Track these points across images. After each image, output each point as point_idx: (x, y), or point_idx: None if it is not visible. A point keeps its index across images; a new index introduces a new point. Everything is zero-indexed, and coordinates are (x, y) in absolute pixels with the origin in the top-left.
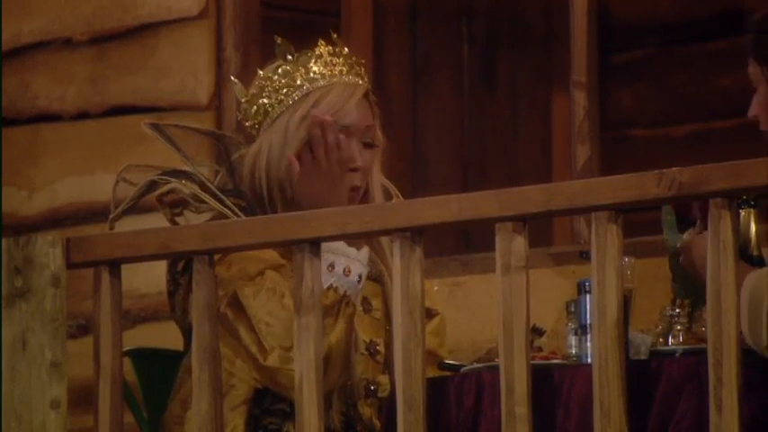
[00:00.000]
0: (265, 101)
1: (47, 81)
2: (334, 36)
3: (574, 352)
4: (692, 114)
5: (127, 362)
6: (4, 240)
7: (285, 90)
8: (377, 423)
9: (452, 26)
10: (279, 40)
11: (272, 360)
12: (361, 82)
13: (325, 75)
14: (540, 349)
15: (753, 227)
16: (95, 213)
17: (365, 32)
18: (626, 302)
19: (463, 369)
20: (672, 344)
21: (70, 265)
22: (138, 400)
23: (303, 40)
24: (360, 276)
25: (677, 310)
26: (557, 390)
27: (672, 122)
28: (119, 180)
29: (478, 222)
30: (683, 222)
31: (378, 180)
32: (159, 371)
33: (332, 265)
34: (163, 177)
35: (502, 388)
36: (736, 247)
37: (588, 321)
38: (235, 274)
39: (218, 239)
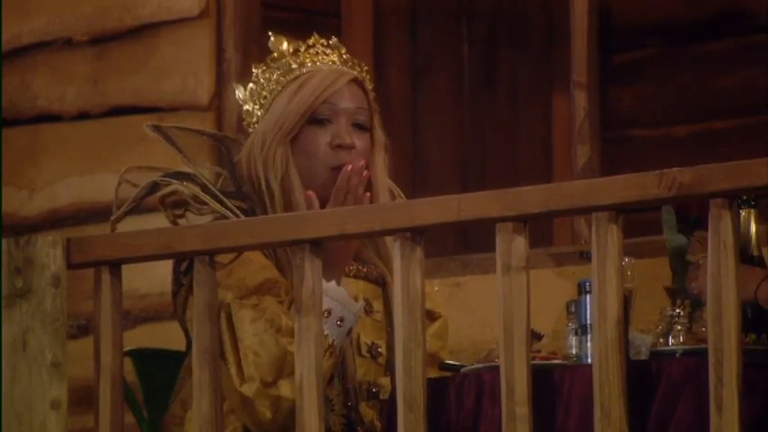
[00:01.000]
0: (264, 92)
1: (47, 81)
2: (334, 39)
3: (574, 352)
4: (692, 114)
5: (127, 362)
6: (4, 241)
7: (277, 78)
8: (378, 425)
9: (452, 26)
10: (272, 36)
11: (248, 389)
12: (352, 71)
13: (315, 62)
14: (538, 351)
15: (753, 227)
16: (96, 213)
17: (365, 32)
18: (626, 303)
19: (463, 369)
20: (672, 344)
21: (71, 266)
22: (139, 401)
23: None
24: (350, 330)
25: (677, 311)
26: (557, 390)
27: (672, 123)
28: (121, 181)
29: (479, 222)
30: (684, 222)
31: (383, 181)
32: (160, 371)
33: (328, 311)
34: (164, 179)
35: (502, 388)
36: (736, 247)
37: (588, 321)
38: (233, 283)
39: (219, 240)
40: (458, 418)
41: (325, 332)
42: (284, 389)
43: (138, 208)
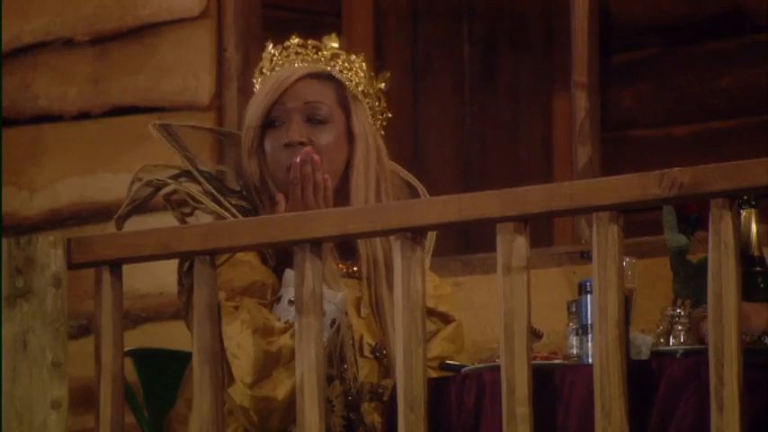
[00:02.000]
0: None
1: (48, 81)
2: (333, 35)
3: (575, 352)
4: (692, 114)
5: (128, 362)
6: (4, 241)
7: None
8: (379, 427)
9: (453, 26)
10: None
11: (233, 391)
12: (321, 66)
13: (284, 64)
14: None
15: (753, 227)
16: (96, 213)
17: (365, 32)
18: (627, 302)
19: (464, 369)
20: (673, 344)
21: (71, 266)
22: (139, 401)
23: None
24: (334, 321)
25: (678, 311)
26: (558, 390)
27: (673, 123)
28: (134, 180)
29: (479, 222)
30: (684, 222)
31: (363, 176)
32: (160, 371)
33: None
34: (160, 179)
35: (503, 388)
36: (737, 247)
37: (589, 321)
38: (222, 284)
39: (219, 239)
40: (459, 418)
41: None
42: (267, 389)
43: (142, 207)
